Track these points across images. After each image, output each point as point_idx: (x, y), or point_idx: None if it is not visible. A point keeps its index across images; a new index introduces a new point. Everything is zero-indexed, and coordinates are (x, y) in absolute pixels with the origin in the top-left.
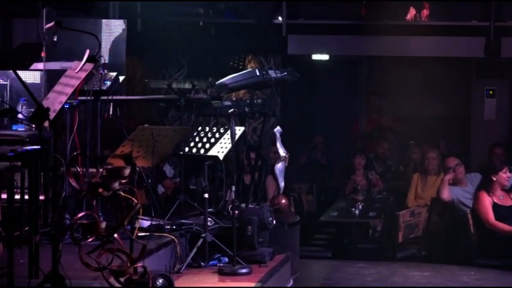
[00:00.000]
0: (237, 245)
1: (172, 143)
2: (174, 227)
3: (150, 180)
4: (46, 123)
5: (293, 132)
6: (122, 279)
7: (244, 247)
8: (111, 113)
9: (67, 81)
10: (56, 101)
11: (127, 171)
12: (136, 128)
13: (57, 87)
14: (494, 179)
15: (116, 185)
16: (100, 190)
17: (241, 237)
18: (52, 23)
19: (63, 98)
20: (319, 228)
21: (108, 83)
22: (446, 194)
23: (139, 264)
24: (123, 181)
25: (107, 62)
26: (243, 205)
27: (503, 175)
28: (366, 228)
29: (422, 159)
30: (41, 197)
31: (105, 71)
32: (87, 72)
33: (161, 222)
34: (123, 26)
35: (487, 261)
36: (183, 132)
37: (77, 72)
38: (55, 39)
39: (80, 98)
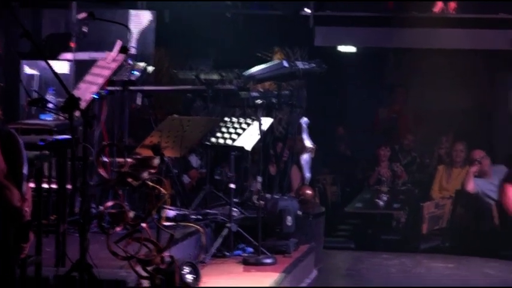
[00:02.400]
0: (266, 235)
1: (200, 133)
2: (199, 217)
3: (176, 171)
4: (77, 113)
5: (318, 124)
6: (149, 268)
7: (278, 237)
8: (139, 103)
9: (99, 71)
10: (87, 91)
11: (156, 162)
12: (163, 118)
13: (88, 77)
14: None
15: (145, 174)
16: (129, 180)
17: (275, 227)
18: (85, 14)
19: (95, 88)
20: (343, 219)
21: (137, 73)
22: (471, 186)
23: (167, 253)
24: (152, 171)
25: (135, 53)
26: (268, 195)
27: None
28: (389, 219)
29: (449, 152)
30: (68, 186)
31: (134, 62)
32: (119, 62)
33: (186, 212)
34: (151, 17)
35: (511, 253)
36: (211, 122)
37: (109, 62)
38: (85, 30)
39: (108, 88)
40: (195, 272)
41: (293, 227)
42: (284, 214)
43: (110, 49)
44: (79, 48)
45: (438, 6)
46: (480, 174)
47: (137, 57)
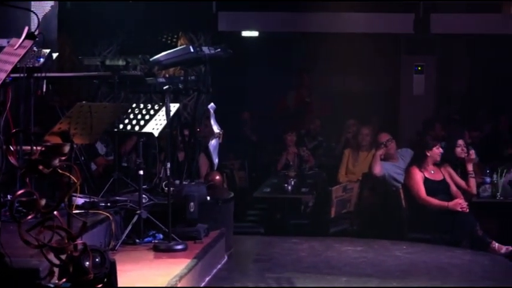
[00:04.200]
0: (175, 221)
1: (109, 119)
2: (108, 204)
3: (82, 158)
4: None
5: (223, 109)
6: (62, 256)
7: (184, 223)
8: (44, 90)
9: (6, 58)
10: None
11: (67, 148)
12: (69, 105)
13: None
14: (429, 154)
15: (56, 162)
16: (40, 167)
17: (182, 214)
18: None
19: (3, 75)
20: (252, 205)
21: (42, 60)
22: (378, 169)
23: (79, 241)
24: (63, 158)
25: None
26: (177, 182)
27: (436, 150)
28: (298, 203)
29: (355, 135)
30: None
31: (38, 48)
32: (27, 49)
33: (96, 200)
34: (53, 3)
35: (418, 235)
36: (120, 109)
37: (15, 49)
38: None
39: (12, 75)
40: (102, 259)
41: (196, 213)
42: (187, 200)
43: (17, 35)
44: None
45: None
46: (386, 158)
47: (41, 43)
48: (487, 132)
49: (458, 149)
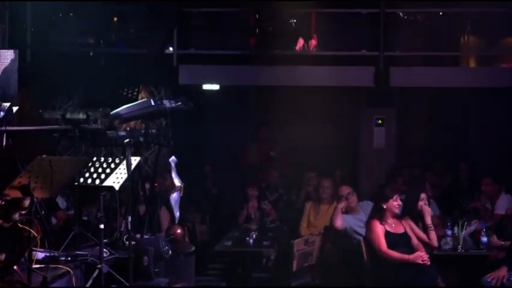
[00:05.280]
0: (133, 276)
1: (70, 173)
2: (69, 258)
3: (43, 212)
4: None
5: (184, 162)
6: None
7: (140, 278)
8: (4, 143)
9: None
10: None
11: (27, 202)
12: (29, 159)
13: None
14: (385, 207)
15: (16, 216)
16: (0, 221)
17: (138, 268)
18: None
19: None
20: (214, 258)
21: (1, 113)
22: (340, 222)
23: None
24: (23, 212)
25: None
26: (138, 236)
27: (394, 203)
28: (259, 257)
29: (316, 188)
30: None
31: None
32: None
33: (56, 254)
34: (13, 56)
35: None
36: (80, 162)
37: None
38: None
39: None
40: None
41: (151, 267)
42: (141, 254)
43: None
44: None
45: (299, 44)
46: (348, 211)
47: (0, 97)
48: (447, 184)
49: (421, 203)
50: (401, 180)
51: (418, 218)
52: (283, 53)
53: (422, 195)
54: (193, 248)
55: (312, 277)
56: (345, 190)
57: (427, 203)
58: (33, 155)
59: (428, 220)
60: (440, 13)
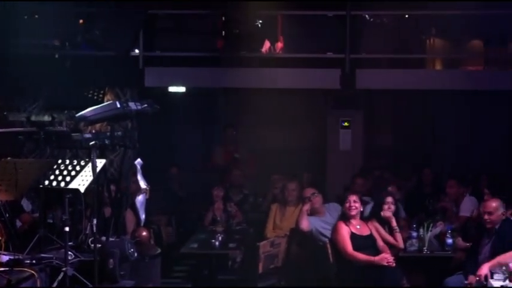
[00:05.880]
0: (98, 278)
1: (35, 175)
2: (33, 261)
3: (7, 214)
4: None
5: (150, 164)
6: None
7: (105, 280)
8: None
9: None
10: None
11: None
12: None
13: None
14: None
15: None
16: None
17: (103, 271)
18: None
19: None
20: (180, 260)
21: None
22: (305, 224)
23: None
24: None
25: None
26: (104, 238)
27: (346, 204)
28: (225, 259)
29: (282, 190)
30: None
31: None
32: None
33: (20, 257)
34: None
35: None
36: (45, 165)
37: None
38: None
39: None
40: None
41: (116, 269)
42: (106, 257)
43: None
44: None
45: (266, 47)
46: (313, 212)
47: None
48: (412, 186)
49: (385, 206)
50: (360, 182)
51: (384, 221)
52: (249, 55)
53: (389, 199)
54: (159, 251)
55: (278, 279)
56: (309, 192)
57: (392, 206)
58: None
59: (394, 222)
60: (407, 16)
